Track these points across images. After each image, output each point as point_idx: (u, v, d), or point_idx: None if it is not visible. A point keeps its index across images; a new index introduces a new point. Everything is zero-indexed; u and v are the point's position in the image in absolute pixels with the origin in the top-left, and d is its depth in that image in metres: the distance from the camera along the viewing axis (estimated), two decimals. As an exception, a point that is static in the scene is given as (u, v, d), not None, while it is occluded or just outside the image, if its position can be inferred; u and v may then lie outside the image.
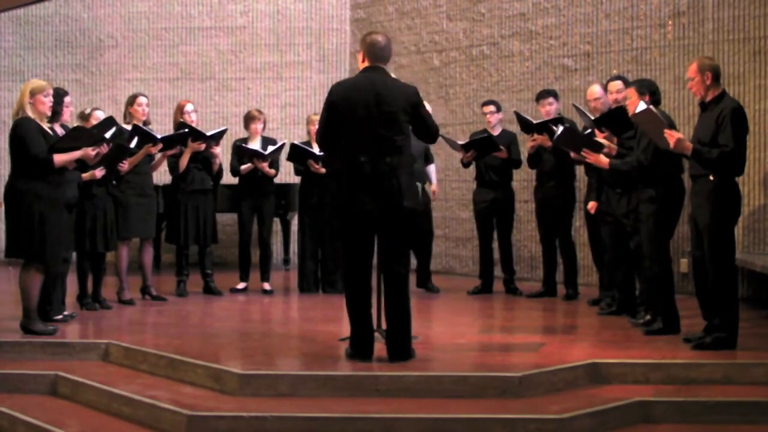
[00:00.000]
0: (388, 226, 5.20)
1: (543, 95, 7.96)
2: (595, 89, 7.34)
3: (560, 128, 6.98)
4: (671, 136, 5.47)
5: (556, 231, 7.95)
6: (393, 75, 5.48)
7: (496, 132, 8.33)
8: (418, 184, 6.30)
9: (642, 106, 5.74)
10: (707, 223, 5.50)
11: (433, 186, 8.73)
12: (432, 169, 8.68)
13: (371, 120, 5.14)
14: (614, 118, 6.57)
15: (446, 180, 9.81)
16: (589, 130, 6.93)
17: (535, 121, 7.82)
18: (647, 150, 5.96)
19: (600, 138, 6.61)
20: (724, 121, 5.43)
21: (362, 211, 5.17)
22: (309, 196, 8.34)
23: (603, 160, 6.34)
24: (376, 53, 5.29)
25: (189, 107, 8.15)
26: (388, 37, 5.43)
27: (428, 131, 5.42)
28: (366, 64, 5.32)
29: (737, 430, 4.63)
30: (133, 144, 7.33)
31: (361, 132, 5.16)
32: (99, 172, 6.83)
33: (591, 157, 6.41)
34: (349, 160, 5.18)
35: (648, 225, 6.07)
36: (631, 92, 6.17)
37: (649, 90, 6.12)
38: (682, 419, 4.72)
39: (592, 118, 6.92)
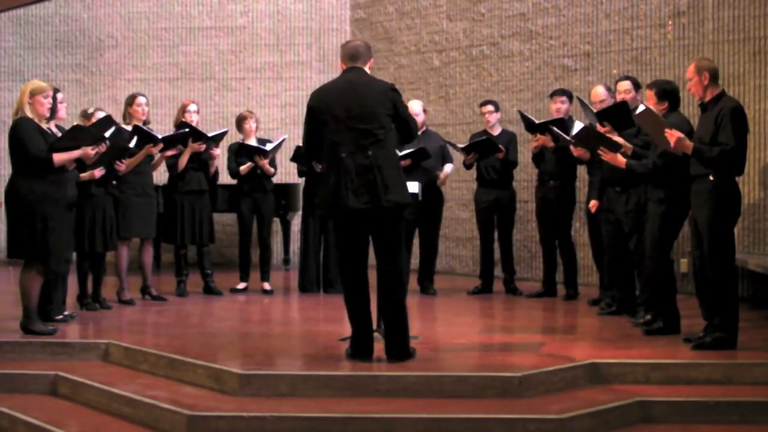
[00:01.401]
0: (376, 222, 5.19)
1: (558, 93, 7.93)
2: (599, 90, 7.27)
3: (577, 125, 6.93)
4: (671, 136, 5.47)
5: (556, 231, 7.95)
6: (393, 75, 5.49)
7: (495, 132, 8.32)
8: (416, 183, 6.26)
9: (642, 106, 5.74)
10: (707, 223, 5.50)
11: (443, 173, 8.31)
12: (449, 167, 8.44)
13: (349, 117, 5.18)
14: (616, 113, 6.54)
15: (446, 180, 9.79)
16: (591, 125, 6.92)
17: (537, 121, 7.81)
18: (664, 154, 5.92)
19: (616, 138, 6.51)
20: (724, 120, 5.42)
21: (348, 208, 5.17)
22: (313, 196, 8.35)
23: (620, 159, 6.24)
24: (348, 53, 5.37)
25: (192, 107, 8.15)
26: (364, 41, 5.51)
27: (405, 128, 5.34)
28: (343, 67, 5.40)
29: (737, 430, 4.63)
30: (132, 144, 7.33)
31: (341, 130, 5.20)
32: (98, 172, 6.83)
33: (608, 156, 6.30)
34: (332, 159, 5.22)
35: (653, 225, 6.05)
36: (650, 95, 6.11)
37: (668, 97, 6.05)
38: (682, 419, 4.72)
39: (595, 111, 6.89)
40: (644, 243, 6.24)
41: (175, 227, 8.04)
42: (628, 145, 6.33)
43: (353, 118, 5.18)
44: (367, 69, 5.38)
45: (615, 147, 6.31)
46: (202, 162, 8.10)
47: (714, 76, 5.57)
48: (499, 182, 8.29)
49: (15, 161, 6.08)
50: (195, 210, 8.08)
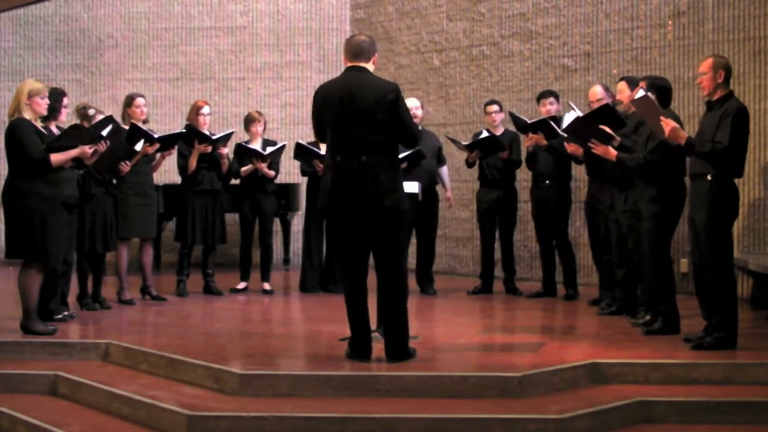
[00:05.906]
0: (373, 226, 5.15)
1: (544, 95, 7.97)
2: (597, 90, 7.27)
3: (568, 116, 6.90)
4: (667, 124, 5.49)
5: (553, 231, 7.95)
6: (393, 75, 5.46)
7: (498, 131, 8.32)
8: (416, 183, 6.25)
9: (641, 92, 5.76)
10: (705, 223, 5.50)
11: (448, 192, 8.61)
12: (444, 171, 8.58)
13: (344, 118, 5.13)
14: (602, 116, 6.51)
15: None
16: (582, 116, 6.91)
17: (530, 120, 7.82)
18: (655, 151, 5.94)
19: (609, 130, 6.53)
20: (726, 120, 5.43)
21: (339, 211, 5.17)
22: (316, 196, 8.34)
23: (611, 152, 6.26)
24: (351, 50, 5.28)
25: (206, 110, 8.15)
26: (369, 36, 5.41)
27: (405, 134, 5.24)
28: (346, 63, 5.33)
29: (737, 430, 4.63)
30: (139, 146, 7.32)
31: (336, 131, 5.18)
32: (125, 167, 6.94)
33: (599, 149, 6.31)
34: (329, 160, 5.21)
35: (649, 225, 6.06)
36: (622, 86, 6.24)
37: (659, 93, 6.03)
38: (682, 419, 4.72)
39: (581, 116, 6.87)
40: (642, 243, 6.24)
41: (186, 227, 8.04)
42: (617, 137, 6.35)
43: (349, 122, 5.12)
44: (370, 65, 5.29)
45: (606, 138, 6.33)
46: (213, 161, 8.10)
47: (728, 76, 5.57)
48: (501, 182, 8.29)
49: (12, 162, 6.07)
50: (207, 210, 8.09)
